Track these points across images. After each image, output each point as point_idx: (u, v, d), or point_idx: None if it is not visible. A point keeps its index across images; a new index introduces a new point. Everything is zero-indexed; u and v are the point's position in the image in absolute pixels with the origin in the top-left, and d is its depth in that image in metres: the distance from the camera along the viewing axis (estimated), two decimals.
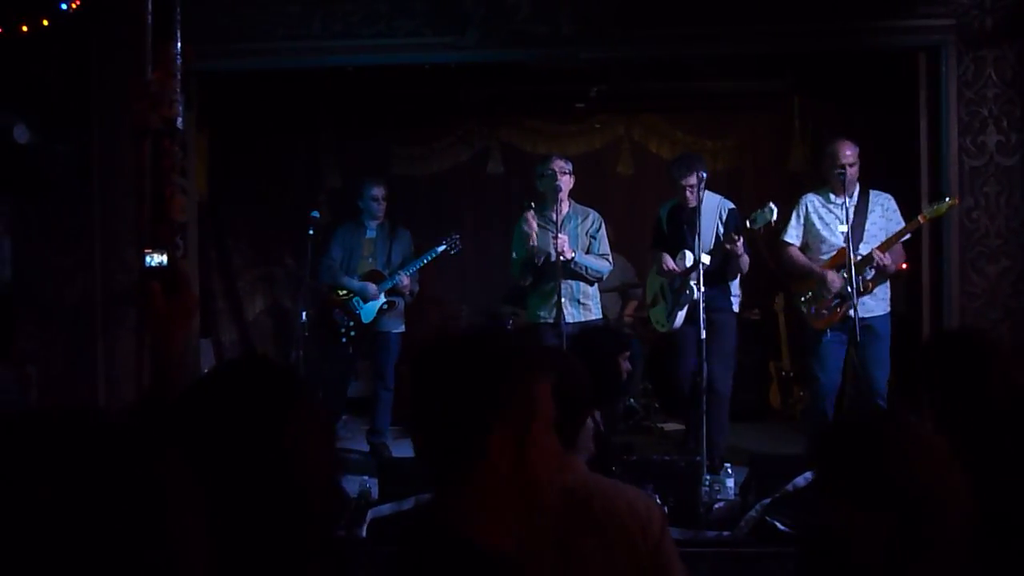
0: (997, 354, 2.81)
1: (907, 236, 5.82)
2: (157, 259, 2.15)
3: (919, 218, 5.78)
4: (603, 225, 6.45)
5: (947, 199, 5.78)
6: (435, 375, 1.72)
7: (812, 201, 6.04)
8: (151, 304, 2.15)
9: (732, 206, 6.22)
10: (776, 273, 6.71)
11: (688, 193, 6.09)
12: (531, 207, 6.40)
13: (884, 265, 5.72)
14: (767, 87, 8.46)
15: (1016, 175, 6.01)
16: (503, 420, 1.66)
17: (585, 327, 6.09)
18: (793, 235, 6.09)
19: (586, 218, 6.43)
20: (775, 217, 5.78)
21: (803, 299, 6.05)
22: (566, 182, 6.28)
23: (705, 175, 6.03)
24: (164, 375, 2.15)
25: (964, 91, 6.02)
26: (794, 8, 6.13)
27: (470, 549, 1.64)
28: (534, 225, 6.33)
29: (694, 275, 5.84)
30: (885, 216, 5.92)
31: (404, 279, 6.84)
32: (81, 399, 5.94)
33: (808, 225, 6.05)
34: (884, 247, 5.77)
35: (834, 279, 5.86)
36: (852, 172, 5.83)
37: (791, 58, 7.36)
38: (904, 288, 6.76)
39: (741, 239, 5.87)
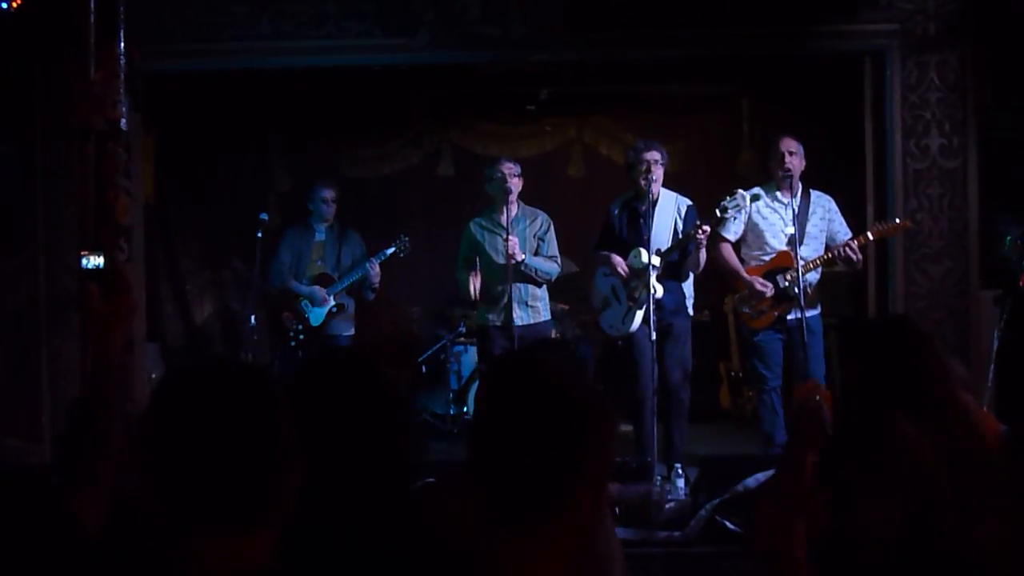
0: (923, 335, 2.98)
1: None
2: (94, 261, 2.15)
3: (868, 233, 5.83)
4: (551, 227, 6.45)
5: (897, 219, 5.87)
6: (513, 422, 1.55)
7: (761, 196, 6.05)
8: (89, 306, 2.13)
9: (689, 202, 6.12)
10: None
11: (652, 170, 5.87)
12: (476, 268, 6.41)
13: (855, 260, 5.74)
14: (716, 90, 8.54)
15: (958, 177, 6.12)
16: (588, 475, 1.54)
17: (537, 339, 6.07)
18: (731, 231, 6.03)
19: (535, 220, 6.42)
20: (748, 204, 5.76)
21: (739, 297, 6.08)
22: (515, 184, 6.27)
23: (666, 159, 6.00)
24: (103, 376, 2.13)
25: (907, 95, 6.12)
26: (742, 12, 6.19)
27: None
28: (476, 287, 6.34)
29: (652, 271, 5.78)
30: (826, 218, 5.97)
31: (375, 269, 6.78)
32: (25, 405, 5.84)
33: (750, 223, 6.06)
34: (823, 261, 5.83)
35: (763, 287, 5.89)
36: (795, 162, 5.84)
37: (740, 61, 7.43)
38: (850, 289, 6.86)
39: (708, 231, 5.71)
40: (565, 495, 1.52)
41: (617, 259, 6.05)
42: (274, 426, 1.52)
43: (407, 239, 6.96)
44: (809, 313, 5.81)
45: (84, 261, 2.14)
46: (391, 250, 6.88)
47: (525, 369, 1.66)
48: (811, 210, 5.96)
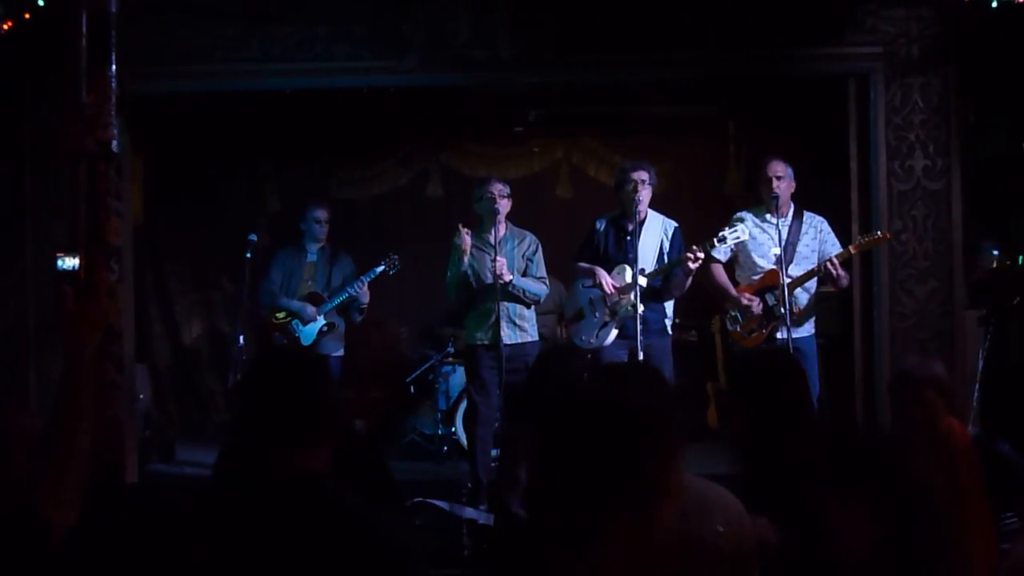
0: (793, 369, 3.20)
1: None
2: (69, 263, 2.16)
3: (850, 248, 5.89)
4: (539, 248, 6.48)
5: (878, 232, 5.92)
6: (563, 442, 1.60)
7: (746, 220, 6.10)
8: (62, 307, 2.14)
9: (676, 224, 6.18)
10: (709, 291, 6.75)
11: (639, 191, 5.91)
12: (465, 228, 6.40)
13: (836, 275, 5.78)
14: (703, 112, 8.60)
15: (942, 199, 6.17)
16: (627, 499, 1.55)
17: (548, 348, 6.07)
18: (720, 252, 6.09)
19: (522, 240, 6.46)
20: (746, 236, 5.84)
21: (730, 316, 6.11)
22: (504, 205, 6.31)
23: (654, 179, 6.04)
24: (74, 381, 2.13)
25: (892, 117, 6.18)
26: (728, 35, 6.25)
27: None
28: (468, 240, 6.32)
29: (633, 292, 5.81)
30: (818, 239, 6.02)
31: (363, 289, 6.82)
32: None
33: (739, 244, 6.09)
34: (808, 276, 5.87)
35: (751, 303, 5.93)
36: (782, 186, 5.89)
37: (726, 83, 7.49)
38: (836, 309, 6.89)
39: (701, 257, 5.75)
40: (605, 519, 1.53)
41: (603, 273, 6.08)
42: (325, 384, 2.22)
43: (396, 257, 6.99)
44: (800, 334, 5.84)
45: (59, 262, 2.17)
46: (380, 268, 6.91)
47: (572, 398, 1.71)
48: (803, 230, 6.01)
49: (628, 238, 5.98)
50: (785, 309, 5.67)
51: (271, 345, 6.81)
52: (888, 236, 5.95)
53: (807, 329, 6.02)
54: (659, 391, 1.63)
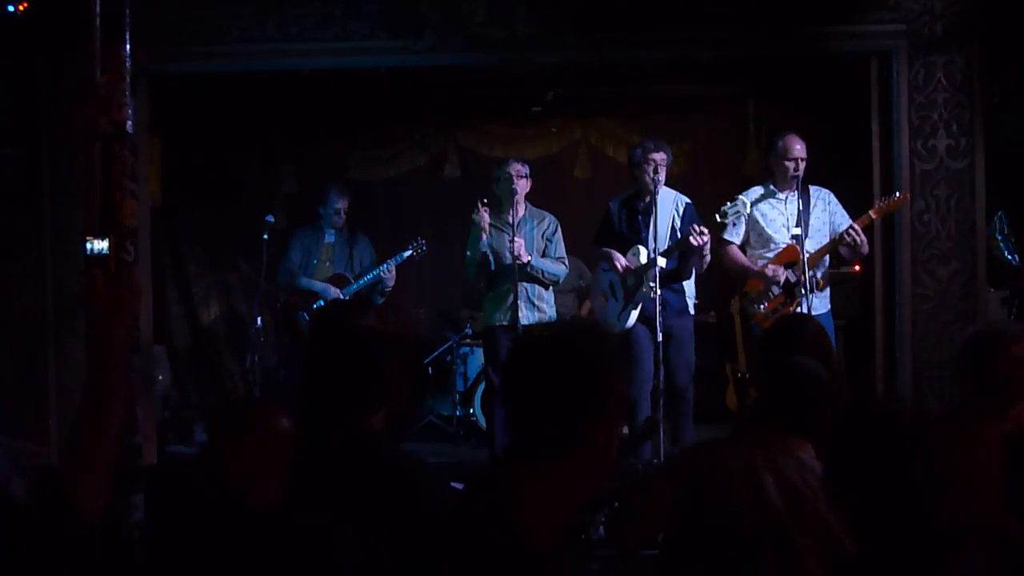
0: (922, 438, 2.13)
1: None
2: (98, 246, 2.12)
3: (870, 212, 5.83)
4: (559, 228, 6.45)
5: (897, 193, 5.86)
6: (541, 367, 1.80)
7: (749, 196, 6.02)
8: (92, 292, 2.10)
9: (688, 200, 6.16)
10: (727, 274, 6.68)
11: (659, 171, 5.92)
12: (484, 203, 6.35)
13: (859, 242, 5.71)
14: (722, 91, 8.53)
15: (966, 178, 6.09)
16: (606, 409, 1.79)
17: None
18: (733, 233, 6.04)
19: (542, 221, 6.43)
20: (747, 210, 5.81)
21: (749, 297, 6.06)
22: (523, 185, 6.28)
23: (671, 159, 6.00)
24: (104, 365, 2.10)
25: (915, 95, 6.09)
26: (748, 13, 6.17)
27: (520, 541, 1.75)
28: (486, 217, 6.29)
29: (650, 272, 5.79)
30: (828, 210, 5.97)
31: (391, 273, 6.84)
32: (32, 408, 5.85)
33: (751, 222, 6.05)
34: (830, 246, 5.82)
35: (775, 271, 5.85)
36: (803, 166, 5.88)
37: (746, 63, 7.41)
38: (857, 291, 6.84)
39: (707, 233, 5.74)
40: (579, 433, 1.76)
41: (617, 255, 6.07)
42: (384, 363, 2.68)
43: (423, 241, 6.97)
44: (818, 310, 5.79)
45: (88, 246, 2.11)
46: (408, 252, 6.91)
47: (543, 333, 1.96)
48: (812, 204, 5.97)
49: (641, 217, 5.97)
50: (805, 288, 5.62)
51: (341, 307, 6.82)
52: (907, 196, 5.88)
53: (823, 305, 5.95)
54: (611, 351, 1.89)
